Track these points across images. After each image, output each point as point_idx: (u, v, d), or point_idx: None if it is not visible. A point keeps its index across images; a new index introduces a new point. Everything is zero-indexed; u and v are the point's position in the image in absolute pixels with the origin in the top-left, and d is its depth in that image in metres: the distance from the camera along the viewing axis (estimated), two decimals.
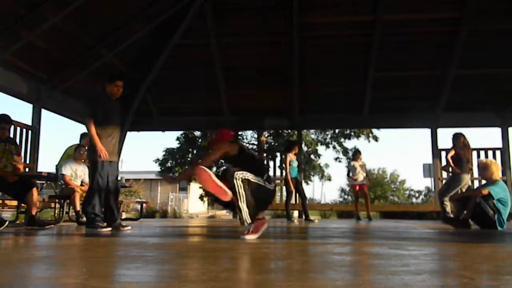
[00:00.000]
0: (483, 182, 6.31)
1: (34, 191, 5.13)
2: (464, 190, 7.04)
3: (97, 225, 4.70)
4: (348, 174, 9.41)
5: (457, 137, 7.55)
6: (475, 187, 6.37)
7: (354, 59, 9.96)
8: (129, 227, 4.91)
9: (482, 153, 10.24)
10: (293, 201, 11.04)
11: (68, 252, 2.82)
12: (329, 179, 21.39)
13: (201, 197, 21.23)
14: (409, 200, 32.88)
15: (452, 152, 7.40)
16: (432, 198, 15.28)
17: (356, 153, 9.37)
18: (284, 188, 11.55)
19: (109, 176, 4.88)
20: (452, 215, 7.32)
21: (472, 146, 7.85)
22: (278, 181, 11.43)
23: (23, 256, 2.56)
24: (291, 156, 8.21)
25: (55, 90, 8.25)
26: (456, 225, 5.83)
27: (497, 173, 5.84)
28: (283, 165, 8.34)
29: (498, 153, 10.22)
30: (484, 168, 5.86)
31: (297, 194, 8.78)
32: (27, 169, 7.25)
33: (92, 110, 4.87)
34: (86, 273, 1.87)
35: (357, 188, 9.08)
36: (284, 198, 12.75)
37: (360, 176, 9.01)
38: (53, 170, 6.88)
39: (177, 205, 27.45)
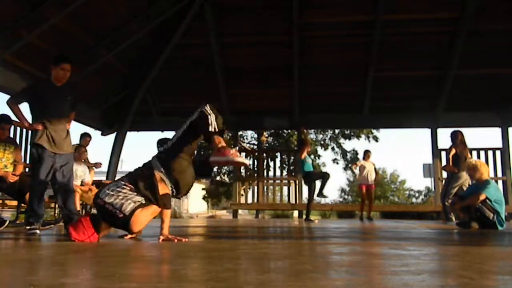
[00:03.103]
0: (473, 182, 6.30)
1: None
2: (465, 187, 7.05)
3: (29, 223, 4.27)
4: (353, 169, 9.43)
5: (456, 135, 7.56)
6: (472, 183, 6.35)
7: (354, 59, 9.96)
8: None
9: (482, 153, 10.25)
10: (292, 200, 11.05)
11: (68, 252, 2.82)
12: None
13: (204, 198, 21.32)
14: (409, 200, 32.90)
15: (453, 151, 7.40)
16: (432, 198, 15.27)
17: (366, 153, 9.33)
18: (288, 188, 11.53)
19: (58, 170, 4.37)
20: (453, 217, 7.35)
21: (472, 146, 7.87)
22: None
23: (23, 256, 2.56)
24: (305, 153, 8.23)
25: None
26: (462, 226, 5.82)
27: (486, 173, 5.85)
28: (299, 161, 8.32)
29: (498, 153, 10.23)
30: (473, 169, 5.85)
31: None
32: (27, 169, 7.25)
33: (19, 91, 4.52)
34: (86, 273, 1.87)
35: (365, 188, 9.05)
36: (284, 198, 12.67)
37: (369, 176, 8.97)
38: None
39: (177, 205, 27.42)
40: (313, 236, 4.44)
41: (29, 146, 4.56)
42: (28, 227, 4.31)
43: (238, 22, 9.47)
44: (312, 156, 20.13)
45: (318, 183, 8.28)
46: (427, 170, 17.42)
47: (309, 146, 8.70)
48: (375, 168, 9.19)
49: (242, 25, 9.51)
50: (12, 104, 4.32)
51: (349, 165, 9.57)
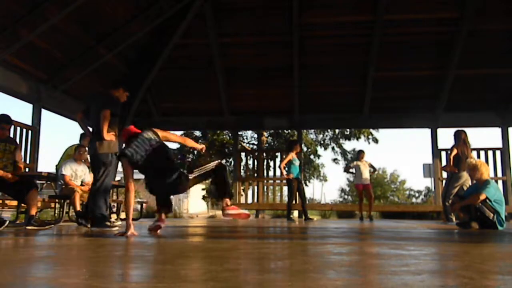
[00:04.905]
0: (473, 182, 6.30)
1: (34, 191, 5.12)
2: (466, 187, 7.05)
3: (106, 225, 4.90)
4: (347, 170, 9.55)
5: (459, 135, 7.56)
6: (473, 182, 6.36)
7: (354, 59, 9.97)
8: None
9: (482, 153, 10.25)
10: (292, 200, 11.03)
11: (68, 252, 2.82)
12: (325, 180, 21.53)
13: (203, 198, 21.32)
14: (409, 200, 32.89)
15: (455, 151, 7.40)
16: (432, 198, 15.27)
17: (360, 153, 9.35)
18: (285, 188, 11.54)
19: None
20: (453, 217, 7.35)
21: (472, 146, 7.86)
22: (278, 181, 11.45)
23: (23, 256, 2.56)
24: (293, 155, 8.22)
25: (55, 90, 8.25)
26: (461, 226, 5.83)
27: (487, 173, 5.85)
28: (282, 164, 8.32)
29: (498, 153, 10.23)
30: (473, 169, 5.86)
31: (297, 194, 8.74)
32: (27, 169, 7.25)
33: (112, 107, 5.01)
34: (86, 273, 1.87)
35: (361, 188, 9.06)
36: (284, 198, 12.68)
37: (364, 175, 8.97)
38: (53, 170, 6.88)
39: (177, 205, 27.38)
40: (313, 236, 4.44)
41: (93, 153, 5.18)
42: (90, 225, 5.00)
43: (238, 22, 9.48)
44: (312, 157, 20.18)
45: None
46: (427, 170, 17.42)
47: (298, 148, 8.71)
48: (372, 165, 9.19)
49: (242, 25, 9.51)
50: (108, 113, 4.84)
51: (348, 164, 9.64)
